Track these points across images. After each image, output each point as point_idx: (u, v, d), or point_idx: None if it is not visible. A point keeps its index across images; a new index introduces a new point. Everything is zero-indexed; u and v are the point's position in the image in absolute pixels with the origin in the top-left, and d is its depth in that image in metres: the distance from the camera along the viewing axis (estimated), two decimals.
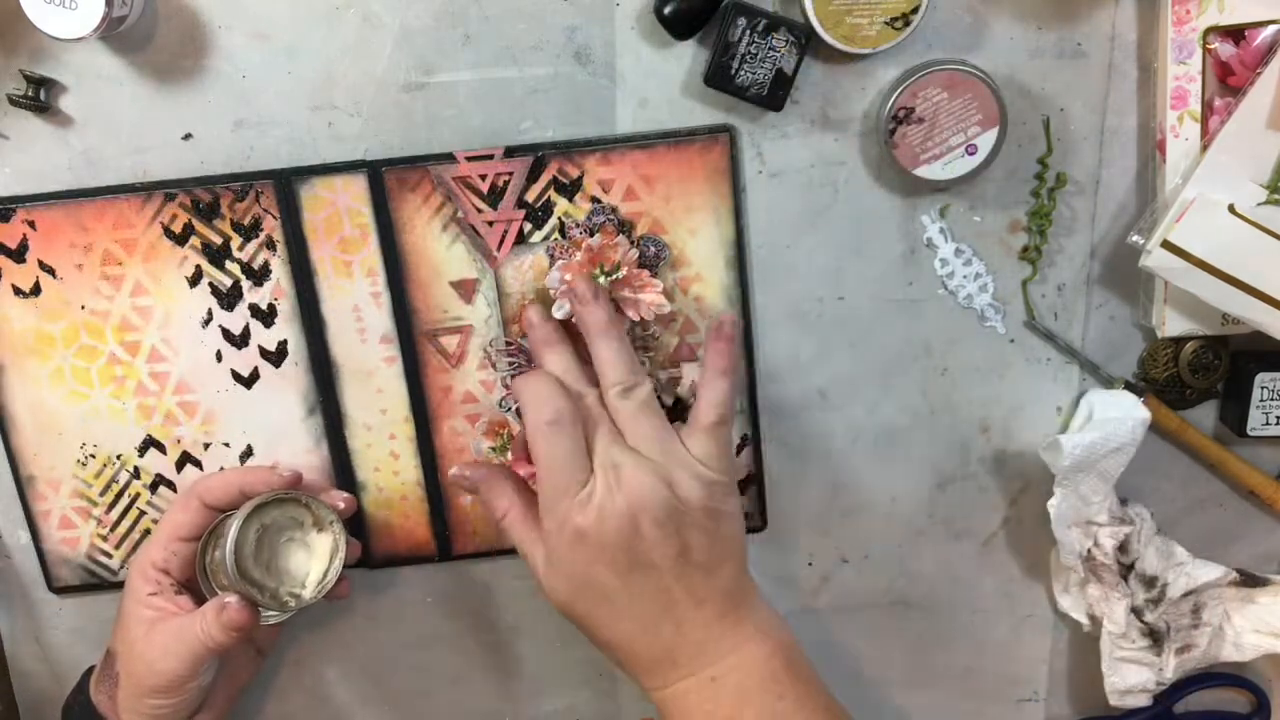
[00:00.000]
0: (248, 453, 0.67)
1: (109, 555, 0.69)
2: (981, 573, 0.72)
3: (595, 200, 0.63)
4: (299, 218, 0.63)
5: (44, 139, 0.62)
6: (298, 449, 0.67)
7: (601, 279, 0.61)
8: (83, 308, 0.65)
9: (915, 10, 0.57)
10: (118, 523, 0.69)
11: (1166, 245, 0.59)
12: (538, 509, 0.58)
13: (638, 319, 0.63)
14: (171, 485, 0.68)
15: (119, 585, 0.69)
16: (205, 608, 0.60)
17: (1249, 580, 0.68)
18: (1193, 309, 0.62)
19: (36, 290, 0.64)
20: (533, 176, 0.62)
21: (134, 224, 0.63)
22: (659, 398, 0.65)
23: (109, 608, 0.71)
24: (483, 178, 0.62)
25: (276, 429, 0.67)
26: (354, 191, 0.63)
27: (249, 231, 0.63)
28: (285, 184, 0.62)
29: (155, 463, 0.68)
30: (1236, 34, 0.59)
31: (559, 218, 0.63)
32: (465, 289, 0.64)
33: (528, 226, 0.63)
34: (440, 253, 0.64)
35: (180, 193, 0.63)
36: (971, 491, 0.70)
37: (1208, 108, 0.60)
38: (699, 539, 0.56)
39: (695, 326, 0.65)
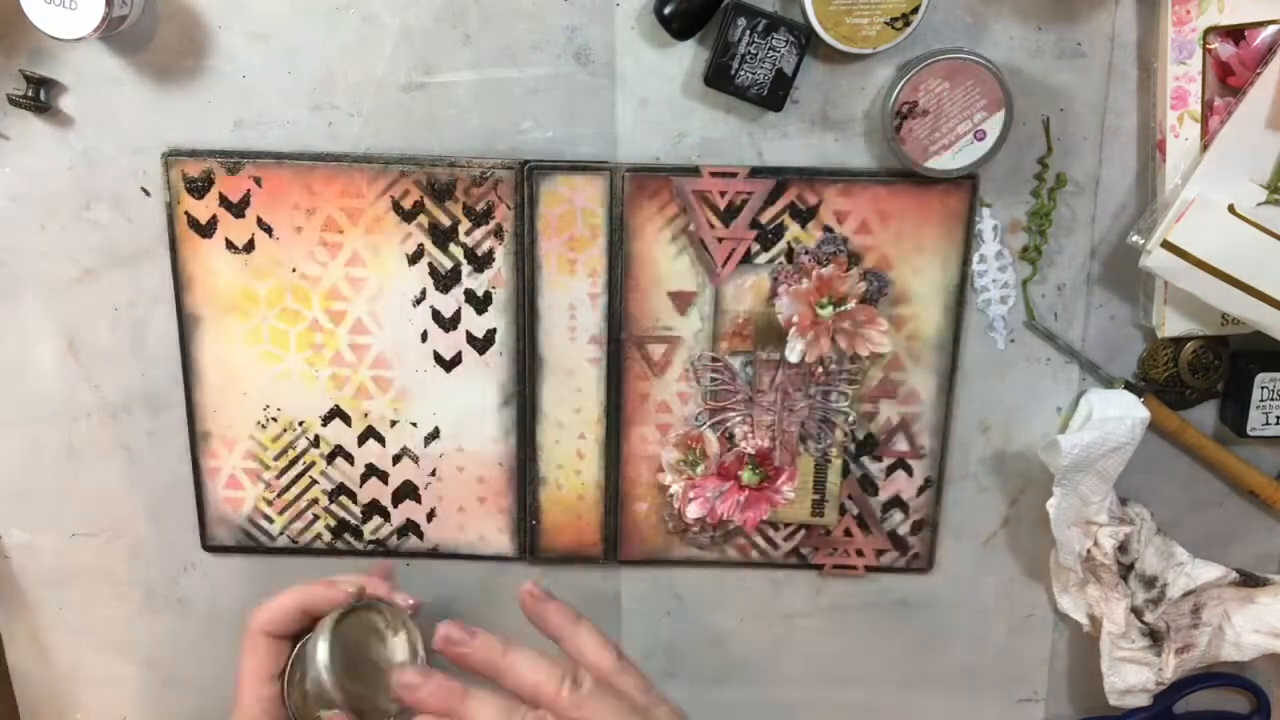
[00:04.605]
0: (434, 434, 0.67)
1: (270, 520, 0.69)
2: (981, 573, 0.72)
3: (828, 229, 0.63)
4: (535, 210, 0.63)
5: (44, 139, 0.62)
6: (485, 438, 0.67)
7: (828, 309, 0.62)
8: (294, 270, 0.64)
9: (915, 10, 0.57)
10: (287, 488, 0.69)
11: (1166, 245, 0.59)
12: None
13: (852, 353, 0.63)
14: (350, 458, 0.68)
15: (273, 550, 0.70)
16: None
17: (1249, 580, 0.68)
18: (1193, 309, 0.62)
19: (250, 247, 0.64)
20: (771, 199, 0.62)
21: (363, 194, 0.63)
22: (852, 432, 0.65)
23: (109, 608, 0.71)
24: (722, 194, 0.62)
25: (468, 416, 0.67)
26: (592, 192, 0.62)
27: (480, 217, 0.63)
28: (527, 175, 0.62)
29: (338, 434, 0.67)
30: (1236, 34, 0.59)
31: (788, 242, 0.63)
32: (682, 301, 0.64)
33: (755, 247, 0.63)
34: (665, 262, 0.64)
35: (418, 170, 0.62)
36: (971, 491, 0.70)
37: (1208, 108, 0.60)
38: None
39: (902, 363, 0.65)
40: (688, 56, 0.61)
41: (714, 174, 0.62)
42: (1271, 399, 0.65)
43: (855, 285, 0.62)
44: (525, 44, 0.61)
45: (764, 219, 0.63)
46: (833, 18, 0.57)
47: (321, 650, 0.58)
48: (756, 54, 0.58)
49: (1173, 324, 0.63)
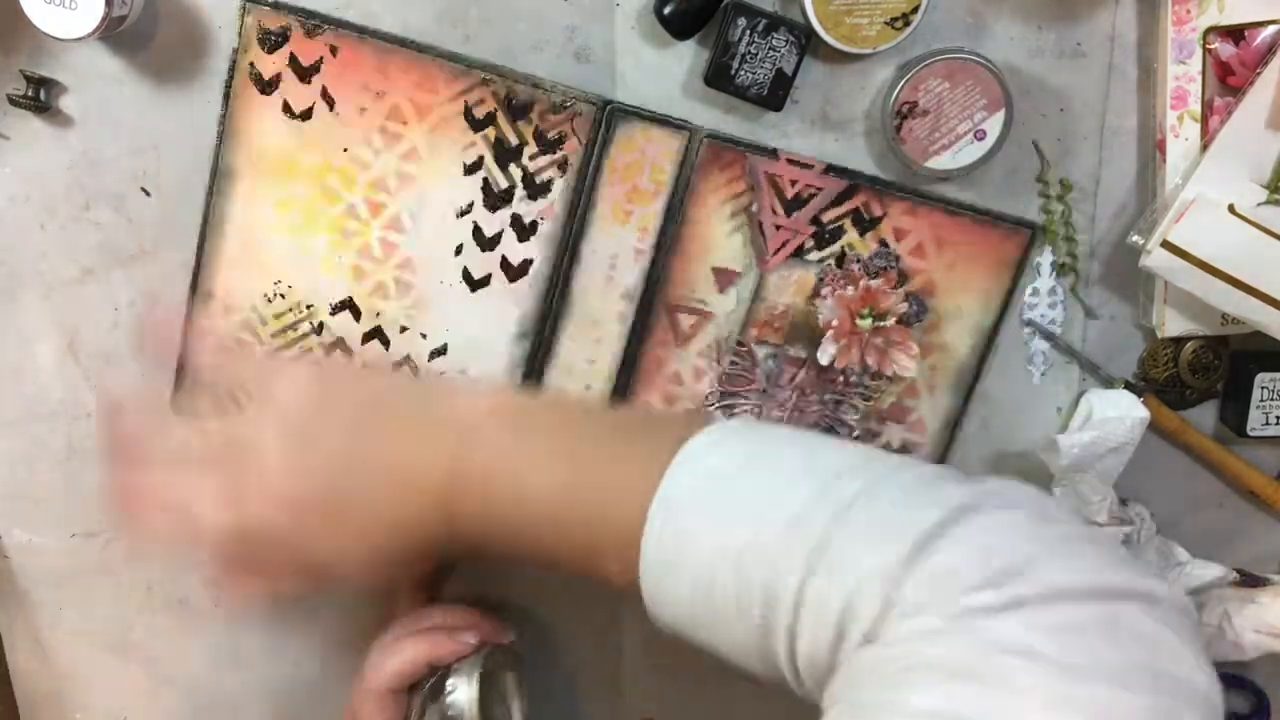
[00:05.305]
0: (441, 350, 0.64)
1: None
2: None
3: (883, 243, 0.63)
4: (606, 151, 0.61)
5: (44, 139, 0.62)
6: (493, 367, 0.65)
7: (867, 320, 0.62)
8: (345, 150, 0.61)
9: (915, 10, 0.57)
10: None
11: (1166, 245, 0.59)
12: None
13: (875, 369, 0.63)
14: (349, 353, 0.65)
15: None
16: None
17: (1249, 580, 0.68)
18: (1193, 309, 0.62)
19: (308, 115, 0.61)
20: (838, 200, 0.62)
21: (438, 90, 0.60)
22: None
23: (109, 608, 0.71)
24: (793, 183, 0.62)
25: (480, 340, 0.64)
26: (666, 148, 0.61)
27: (549, 145, 0.61)
28: (607, 116, 0.61)
29: (344, 326, 0.64)
30: (1236, 34, 0.59)
31: (843, 246, 0.63)
32: (724, 278, 0.63)
33: (809, 243, 0.63)
34: (718, 236, 0.63)
35: (500, 81, 0.60)
36: None
37: (1208, 108, 0.60)
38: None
39: (918, 392, 0.65)
40: (688, 56, 0.61)
41: (790, 161, 0.62)
42: (1271, 399, 0.65)
43: (898, 304, 0.62)
44: (525, 44, 0.61)
45: (826, 218, 0.63)
46: (833, 18, 0.57)
47: (471, 703, 0.59)
48: (756, 54, 0.58)
49: (1173, 324, 0.63)
